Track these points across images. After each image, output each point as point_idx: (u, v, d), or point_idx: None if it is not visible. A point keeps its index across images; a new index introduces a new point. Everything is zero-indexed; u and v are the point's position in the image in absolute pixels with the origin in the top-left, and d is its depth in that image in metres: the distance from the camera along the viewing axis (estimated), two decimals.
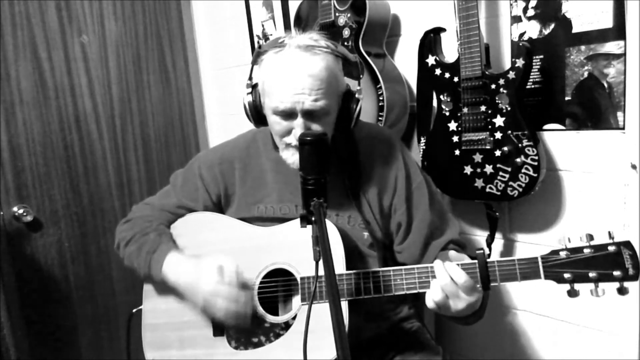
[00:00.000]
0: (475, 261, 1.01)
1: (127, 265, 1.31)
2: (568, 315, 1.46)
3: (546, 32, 1.35)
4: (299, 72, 1.09)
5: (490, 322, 1.63)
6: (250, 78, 1.22)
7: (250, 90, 1.21)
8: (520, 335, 1.58)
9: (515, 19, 1.40)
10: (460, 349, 1.72)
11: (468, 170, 1.42)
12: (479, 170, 1.40)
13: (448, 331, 1.74)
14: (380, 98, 1.53)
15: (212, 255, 1.19)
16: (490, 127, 1.36)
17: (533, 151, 1.31)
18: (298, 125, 1.12)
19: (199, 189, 1.33)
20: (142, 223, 1.31)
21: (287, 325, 1.16)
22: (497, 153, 1.36)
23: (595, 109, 1.31)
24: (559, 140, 1.39)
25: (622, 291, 0.93)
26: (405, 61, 1.64)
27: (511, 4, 1.40)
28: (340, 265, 1.11)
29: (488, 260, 1.01)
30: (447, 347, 1.71)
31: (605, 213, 1.33)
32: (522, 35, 1.39)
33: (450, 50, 1.45)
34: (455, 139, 1.43)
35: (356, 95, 1.18)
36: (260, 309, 1.18)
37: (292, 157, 1.16)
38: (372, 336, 1.28)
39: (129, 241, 1.29)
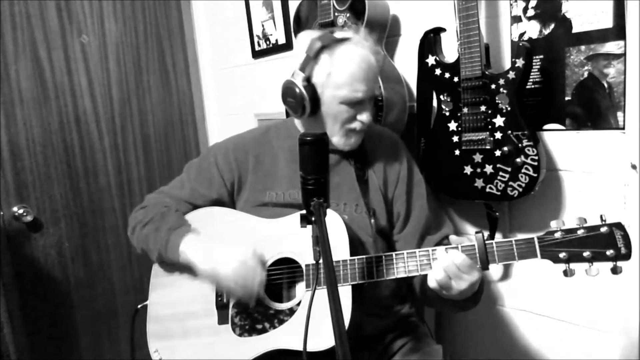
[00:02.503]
0: (474, 243, 1.05)
1: (141, 247, 1.32)
2: (568, 315, 1.46)
3: (546, 32, 1.35)
4: (369, 64, 1.22)
5: (491, 321, 1.63)
6: (304, 71, 1.22)
7: (306, 83, 1.22)
8: (520, 335, 1.58)
9: (515, 19, 1.40)
10: (460, 349, 1.72)
11: (468, 170, 1.42)
12: (479, 170, 1.40)
13: (448, 330, 1.74)
14: (380, 98, 1.53)
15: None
16: (490, 127, 1.36)
17: (533, 151, 1.31)
18: (366, 110, 1.25)
19: (214, 175, 1.36)
20: (160, 208, 1.33)
21: (291, 312, 1.18)
22: (497, 153, 1.36)
23: (595, 109, 1.31)
24: (559, 140, 1.39)
25: (615, 270, 0.97)
26: (405, 61, 1.64)
27: (511, 4, 1.40)
28: (344, 253, 1.14)
29: (487, 241, 1.05)
30: (447, 346, 1.71)
31: (605, 213, 1.33)
32: (522, 35, 1.39)
33: (450, 50, 1.45)
34: (455, 139, 1.43)
35: None
36: (265, 297, 1.20)
37: (351, 141, 1.27)
38: (372, 332, 1.29)
39: (147, 223, 1.31)
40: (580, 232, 0.99)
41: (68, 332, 2.09)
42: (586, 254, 0.98)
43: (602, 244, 0.98)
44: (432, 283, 1.06)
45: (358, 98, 1.21)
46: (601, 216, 1.00)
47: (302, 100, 1.21)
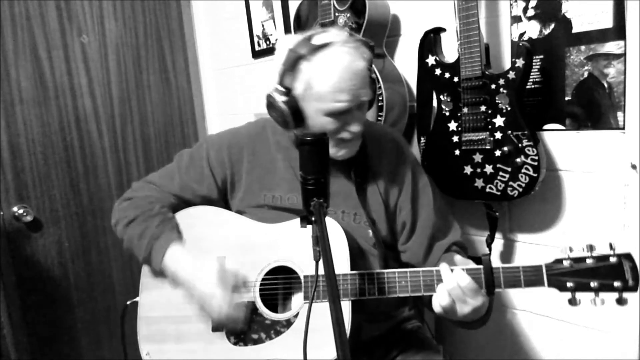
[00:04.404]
0: (481, 267, 1.03)
1: (126, 246, 1.28)
2: (568, 315, 1.46)
3: (546, 32, 1.35)
4: (352, 71, 1.11)
5: (491, 322, 1.62)
6: (283, 84, 1.14)
7: (285, 98, 1.14)
8: (521, 335, 1.58)
9: (515, 19, 1.40)
10: (460, 349, 1.72)
11: (468, 170, 1.42)
12: (479, 170, 1.40)
13: (448, 331, 1.74)
14: (380, 98, 1.53)
15: (213, 253, 1.20)
16: (490, 127, 1.36)
17: (533, 151, 1.31)
18: (355, 119, 1.16)
19: (205, 170, 1.31)
20: (145, 204, 1.28)
21: (288, 323, 1.16)
22: (497, 153, 1.36)
23: (595, 109, 1.31)
24: (559, 140, 1.39)
25: (621, 302, 0.96)
26: (405, 61, 1.64)
27: (511, 4, 1.40)
28: (345, 265, 1.12)
29: (493, 266, 1.02)
30: (447, 347, 1.71)
31: (605, 213, 1.33)
32: (522, 35, 1.39)
33: (450, 50, 1.45)
34: (455, 139, 1.43)
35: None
36: (262, 306, 1.18)
37: (342, 152, 1.20)
38: (373, 336, 1.28)
39: (131, 222, 1.26)
40: (589, 261, 0.98)
41: (68, 332, 2.09)
42: (593, 284, 0.97)
43: (609, 275, 0.96)
44: (437, 308, 1.04)
45: (342, 109, 1.13)
46: (610, 244, 0.98)
47: (284, 116, 1.14)
